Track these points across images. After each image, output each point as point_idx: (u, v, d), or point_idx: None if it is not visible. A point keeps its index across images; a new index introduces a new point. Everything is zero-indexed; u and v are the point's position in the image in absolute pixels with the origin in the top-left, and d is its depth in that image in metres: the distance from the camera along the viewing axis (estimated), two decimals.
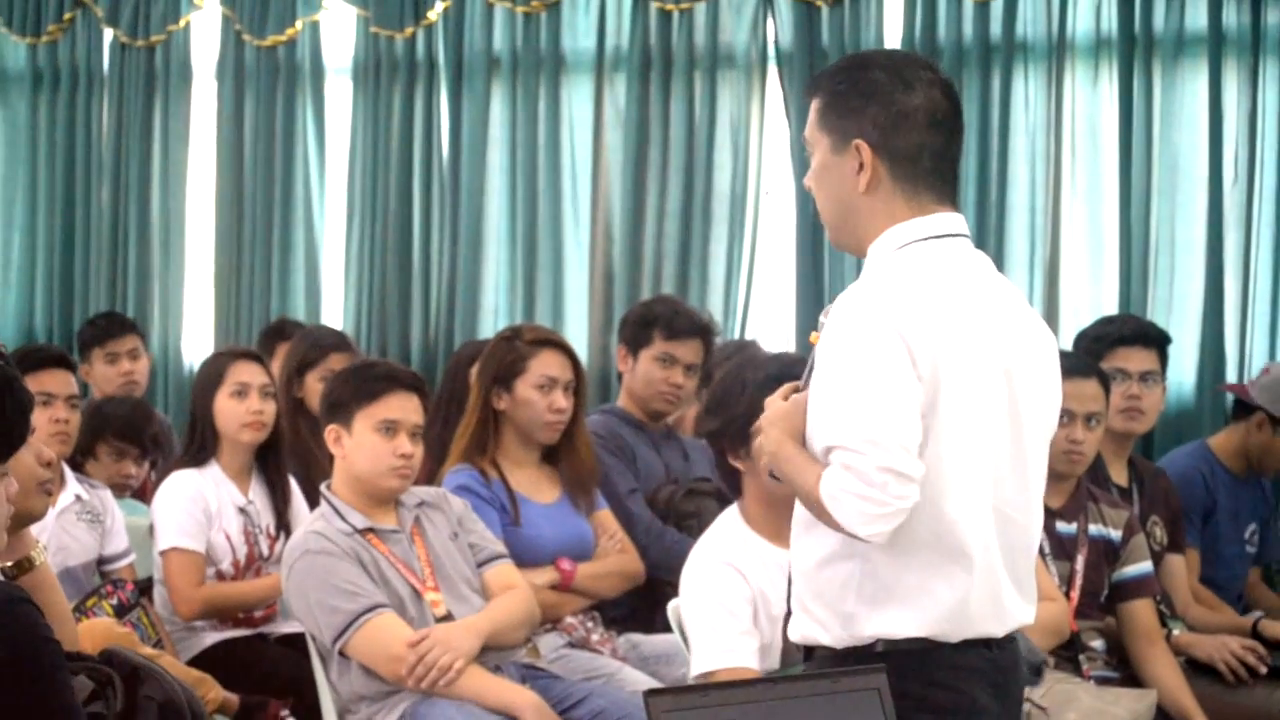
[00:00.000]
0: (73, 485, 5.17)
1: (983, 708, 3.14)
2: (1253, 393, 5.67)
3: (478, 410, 5.11)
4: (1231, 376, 6.40)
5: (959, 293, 3.10)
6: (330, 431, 4.58)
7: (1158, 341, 5.58)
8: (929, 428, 3.01)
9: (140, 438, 5.87)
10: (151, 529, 5.26)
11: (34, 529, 3.25)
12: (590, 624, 5.07)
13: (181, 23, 7.86)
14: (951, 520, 3.05)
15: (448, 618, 4.45)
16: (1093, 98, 6.65)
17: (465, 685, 4.33)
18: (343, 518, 4.50)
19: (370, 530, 4.50)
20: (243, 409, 5.28)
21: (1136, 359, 5.48)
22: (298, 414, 5.87)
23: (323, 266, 7.72)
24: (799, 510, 3.17)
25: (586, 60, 7.30)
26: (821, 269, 6.84)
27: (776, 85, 7.06)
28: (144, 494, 5.90)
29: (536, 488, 5.11)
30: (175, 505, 5.19)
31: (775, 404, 3.21)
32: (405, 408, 4.55)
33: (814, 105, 3.21)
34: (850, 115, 3.14)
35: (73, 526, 5.08)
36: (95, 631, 4.05)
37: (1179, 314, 6.48)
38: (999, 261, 6.53)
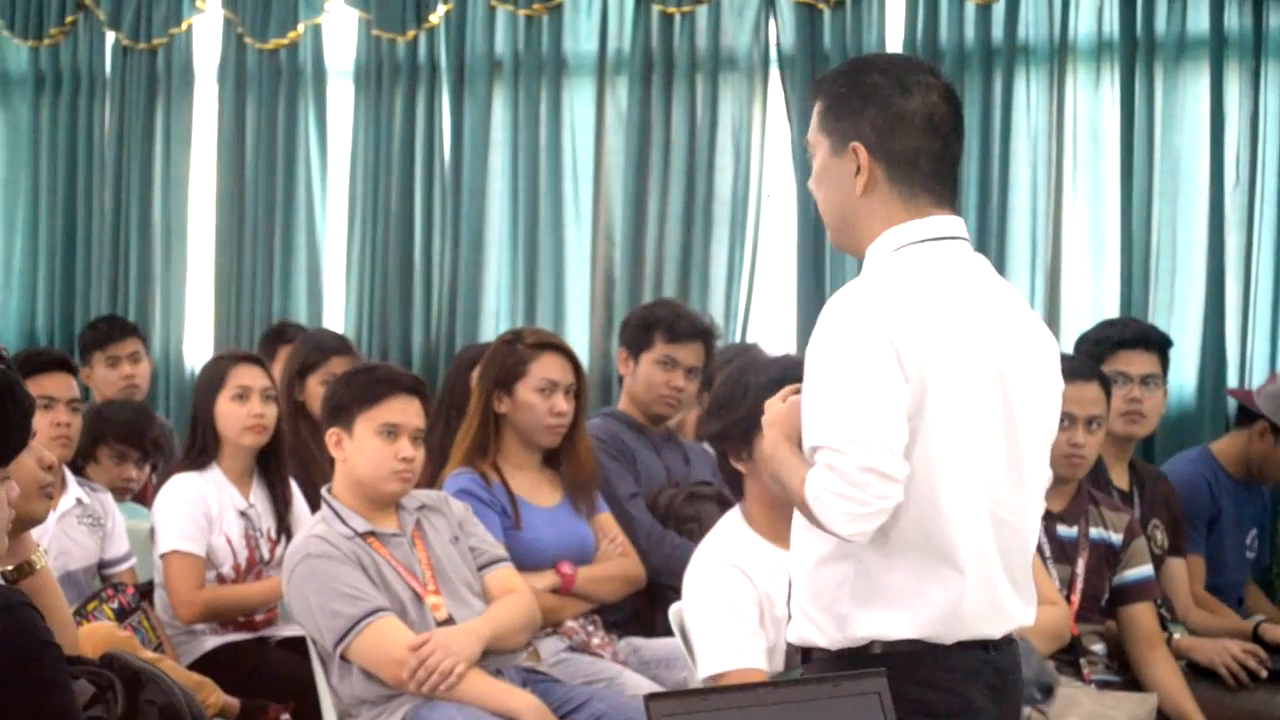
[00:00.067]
0: (74, 489, 5.17)
1: (979, 709, 3.15)
2: (1258, 400, 5.67)
3: (479, 413, 5.11)
4: (1233, 380, 6.40)
5: (951, 295, 3.11)
6: (331, 435, 4.58)
7: (1159, 345, 5.58)
8: (917, 429, 3.02)
9: (141, 441, 5.88)
10: (152, 532, 5.26)
11: (35, 533, 3.25)
12: (591, 628, 5.07)
13: (183, 26, 7.87)
14: (943, 522, 3.07)
15: (449, 621, 4.45)
16: (1094, 100, 6.65)
17: (466, 689, 4.33)
18: (344, 521, 4.50)
19: (371, 533, 4.50)
20: (244, 412, 5.28)
21: (1138, 362, 5.48)
22: (299, 417, 5.87)
23: (324, 269, 7.72)
24: (798, 512, 3.17)
25: (588, 63, 7.30)
26: (823, 272, 6.84)
27: (778, 88, 7.06)
28: (145, 497, 5.90)
29: (537, 491, 5.11)
30: (176, 508, 5.19)
31: (774, 406, 3.23)
32: (406, 411, 4.55)
33: (816, 108, 3.24)
34: (849, 118, 3.17)
35: (74, 530, 5.09)
36: (96, 635, 4.05)
37: (1180, 317, 6.47)
38: (1000, 264, 6.54)
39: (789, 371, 3.74)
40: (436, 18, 7.47)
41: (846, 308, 3.08)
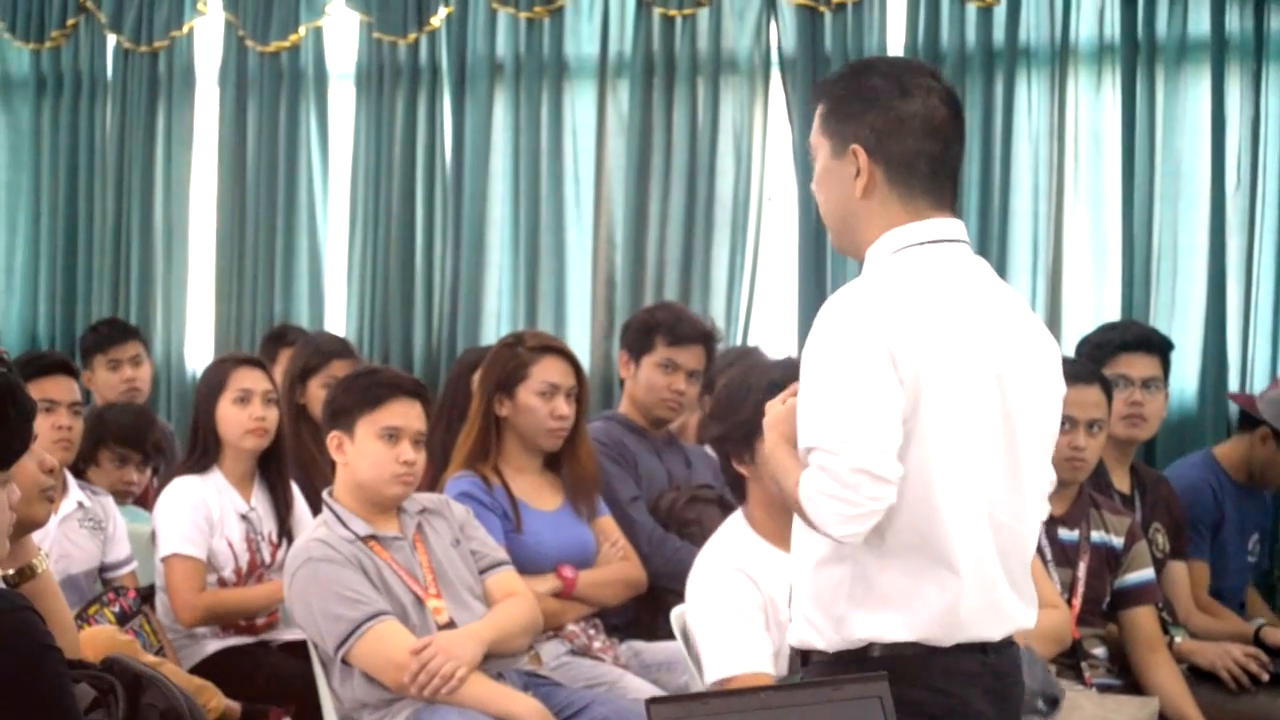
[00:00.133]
0: (75, 492, 5.16)
1: (977, 713, 3.16)
2: (1260, 406, 5.67)
3: (480, 417, 5.11)
4: (1234, 383, 6.40)
5: (948, 298, 3.12)
6: (333, 438, 4.58)
7: (1160, 348, 5.58)
8: (912, 432, 3.04)
9: (142, 444, 5.87)
10: (153, 536, 5.26)
11: (36, 536, 3.26)
12: (592, 631, 5.07)
13: (185, 28, 7.87)
14: (939, 524, 3.08)
15: (450, 625, 4.45)
16: (1095, 103, 6.65)
17: (467, 693, 4.32)
18: (345, 525, 4.50)
19: (372, 537, 4.50)
20: (245, 415, 5.28)
21: (1139, 365, 5.49)
22: (300, 420, 5.87)
23: (325, 272, 7.72)
24: (796, 514, 3.18)
25: (589, 66, 7.30)
26: (824, 275, 6.83)
27: (779, 91, 7.05)
28: (146, 501, 5.90)
29: (538, 494, 5.11)
30: (177, 512, 5.19)
31: (774, 408, 3.24)
32: (408, 415, 4.55)
33: (818, 111, 3.27)
34: (849, 120, 3.19)
35: (75, 534, 5.08)
36: (97, 639, 4.05)
37: (1181, 320, 6.47)
38: (1001, 267, 6.54)
39: (791, 374, 3.73)
40: (438, 20, 7.47)
41: (842, 309, 3.09)
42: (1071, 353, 5.57)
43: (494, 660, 4.46)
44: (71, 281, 8.05)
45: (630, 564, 5.23)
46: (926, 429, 3.05)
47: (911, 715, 2.97)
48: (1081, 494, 4.97)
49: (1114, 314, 6.46)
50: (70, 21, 8.02)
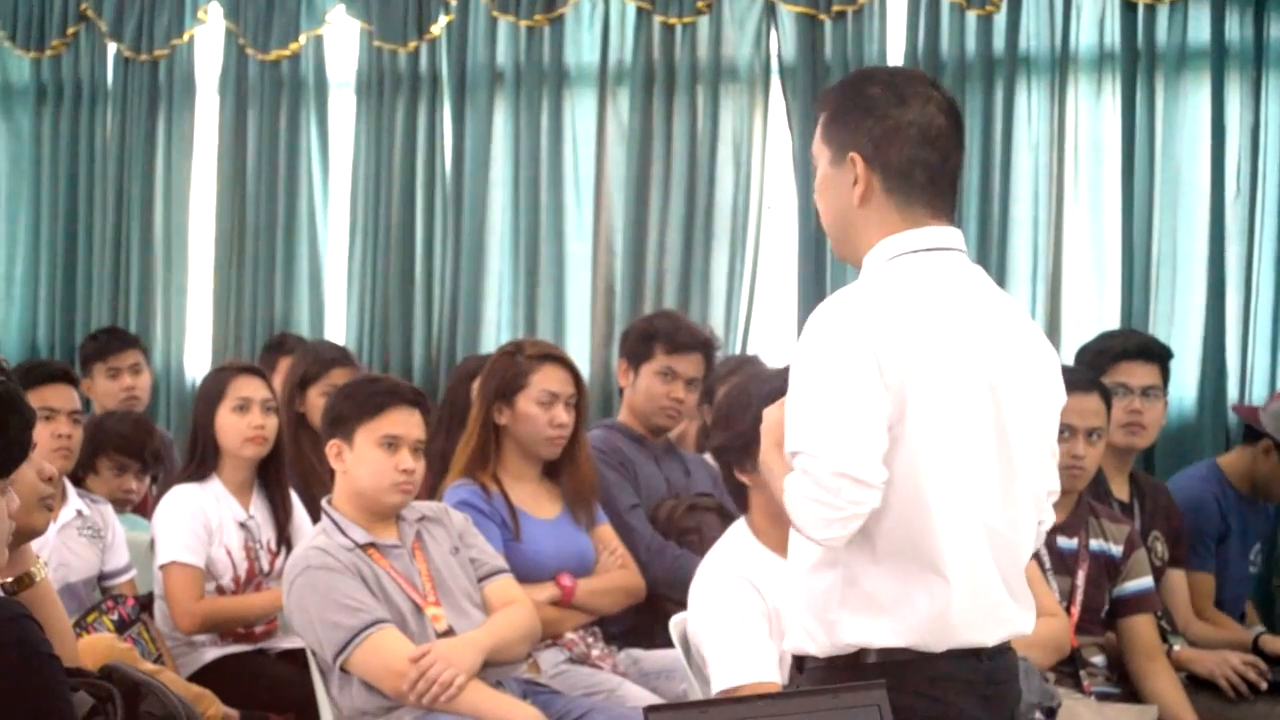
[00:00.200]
0: (74, 500, 5.17)
1: (970, 719, 3.15)
2: (1262, 419, 5.67)
3: (479, 425, 5.11)
4: (1233, 391, 6.40)
5: (939, 305, 3.14)
6: (332, 446, 4.58)
7: (1160, 356, 5.58)
8: (899, 437, 3.05)
9: (141, 453, 5.87)
10: (152, 544, 5.26)
11: (35, 544, 3.26)
12: (591, 639, 5.06)
13: (185, 37, 7.87)
14: (928, 530, 3.09)
15: (449, 633, 4.45)
16: (1095, 111, 6.65)
17: (466, 701, 4.32)
18: (344, 532, 4.50)
19: (371, 545, 4.50)
20: (244, 424, 5.28)
21: (1138, 374, 5.49)
22: (299, 429, 5.88)
23: (325, 281, 7.72)
24: None
25: (589, 74, 7.30)
26: (823, 283, 6.83)
27: (779, 99, 7.06)
28: (145, 509, 5.90)
29: (537, 503, 5.11)
30: (176, 520, 5.19)
31: (771, 414, 3.25)
32: (407, 423, 4.55)
33: (819, 119, 3.29)
34: (847, 129, 3.21)
35: (74, 542, 5.09)
36: (96, 647, 4.05)
37: (1181, 328, 6.47)
38: (1001, 274, 6.54)
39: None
40: (438, 29, 7.48)
41: (830, 315, 3.12)
42: (1071, 361, 5.58)
43: (493, 668, 4.46)
44: (71, 290, 8.05)
45: (629, 572, 5.23)
46: (914, 435, 3.06)
47: None
48: (1080, 502, 4.97)
49: (1113, 322, 6.46)
50: (71, 30, 8.03)
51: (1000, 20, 6.70)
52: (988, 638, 3.18)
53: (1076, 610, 4.86)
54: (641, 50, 7.17)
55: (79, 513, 5.15)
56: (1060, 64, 6.65)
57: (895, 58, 6.85)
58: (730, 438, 4.12)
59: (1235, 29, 6.45)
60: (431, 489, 5.21)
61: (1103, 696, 4.81)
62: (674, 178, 7.13)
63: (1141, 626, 4.96)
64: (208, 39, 7.91)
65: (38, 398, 4.77)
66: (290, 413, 5.83)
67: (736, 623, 3.98)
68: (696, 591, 4.13)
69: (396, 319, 7.49)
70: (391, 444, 4.52)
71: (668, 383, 5.58)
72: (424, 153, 7.51)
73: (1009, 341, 3.20)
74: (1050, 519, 3.37)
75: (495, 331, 7.35)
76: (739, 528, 4.19)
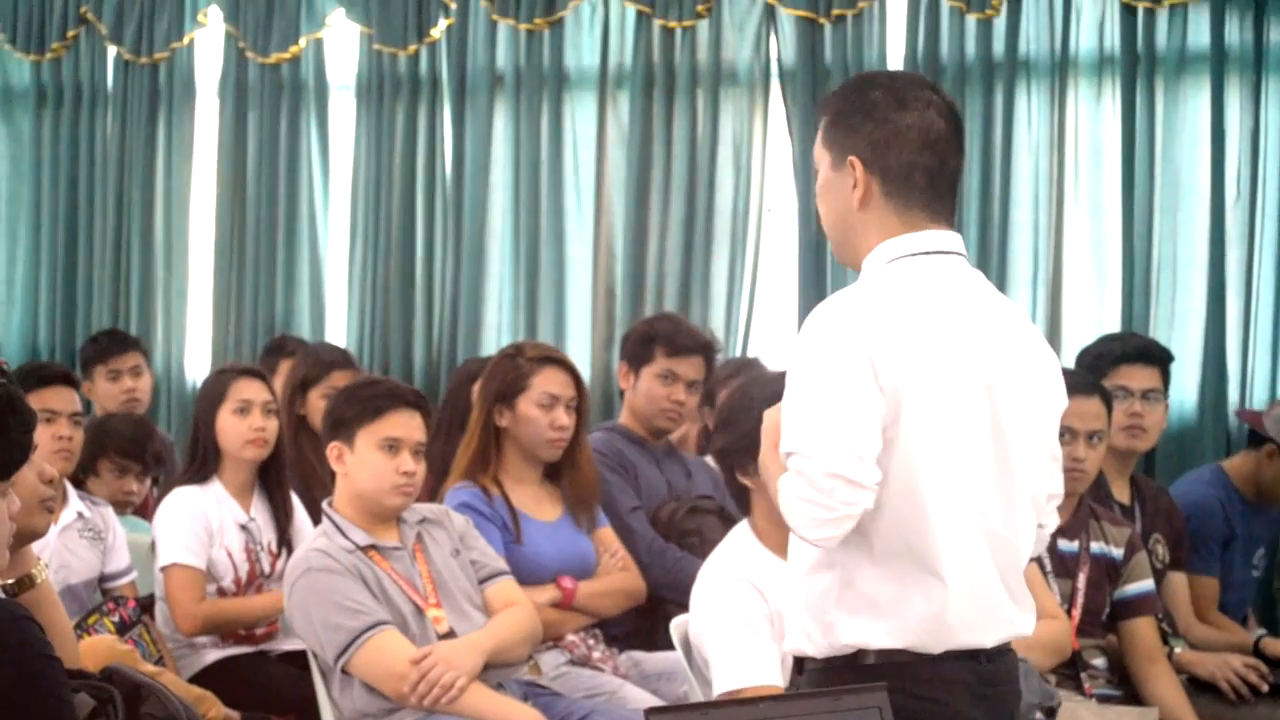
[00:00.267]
0: (75, 502, 5.17)
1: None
2: (1266, 423, 5.67)
3: (480, 427, 5.11)
4: (1234, 394, 6.40)
5: (935, 308, 3.15)
6: (333, 449, 4.58)
7: (1160, 359, 5.58)
8: (894, 439, 3.06)
9: (142, 455, 5.87)
10: (153, 546, 5.26)
11: (35, 546, 3.25)
12: (591, 641, 5.06)
13: (185, 40, 7.88)
14: (924, 531, 3.10)
15: (450, 634, 4.45)
16: (1095, 115, 6.65)
17: (467, 703, 4.32)
18: (345, 535, 4.50)
19: (372, 547, 4.50)
20: (245, 426, 5.28)
21: (1139, 377, 5.49)
22: (300, 431, 5.88)
23: (326, 283, 7.73)
24: None
25: (589, 77, 7.30)
26: (824, 286, 6.83)
27: (779, 102, 7.06)
28: (145, 511, 5.90)
29: (538, 505, 5.11)
30: (177, 522, 5.19)
31: (770, 417, 3.26)
32: (408, 425, 4.55)
33: (821, 123, 3.31)
34: (848, 133, 3.23)
35: (74, 544, 5.09)
36: (97, 649, 4.05)
37: (1181, 331, 6.47)
38: (1001, 278, 6.55)
39: None
40: (438, 32, 7.48)
41: (826, 317, 3.13)
42: (1071, 364, 5.57)
43: (494, 670, 4.46)
44: (72, 292, 8.06)
45: (630, 574, 5.23)
46: (909, 436, 3.07)
47: None
48: (1081, 505, 4.97)
49: (1114, 325, 6.47)
50: (71, 33, 8.03)
51: (1000, 24, 6.70)
52: (986, 639, 3.18)
53: (1077, 613, 4.86)
54: (641, 53, 7.18)
55: (80, 515, 5.15)
56: (1060, 68, 6.66)
57: (895, 61, 6.85)
58: (733, 440, 4.12)
59: (1235, 33, 6.45)
60: (432, 491, 5.21)
61: (1104, 699, 4.80)
62: (674, 181, 7.13)
63: (1142, 629, 4.96)
64: (208, 42, 7.92)
65: (38, 400, 4.77)
66: (291, 415, 5.83)
67: (739, 625, 3.98)
68: (699, 594, 4.13)
69: (397, 322, 7.50)
70: (392, 446, 4.52)
71: (668, 385, 5.58)
72: (424, 156, 7.52)
73: (1007, 344, 3.21)
74: (1053, 523, 3.37)
75: (496, 334, 7.36)
76: (741, 530, 4.19)
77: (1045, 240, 6.67)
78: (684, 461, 5.74)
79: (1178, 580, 5.53)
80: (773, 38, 7.05)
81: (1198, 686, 5.14)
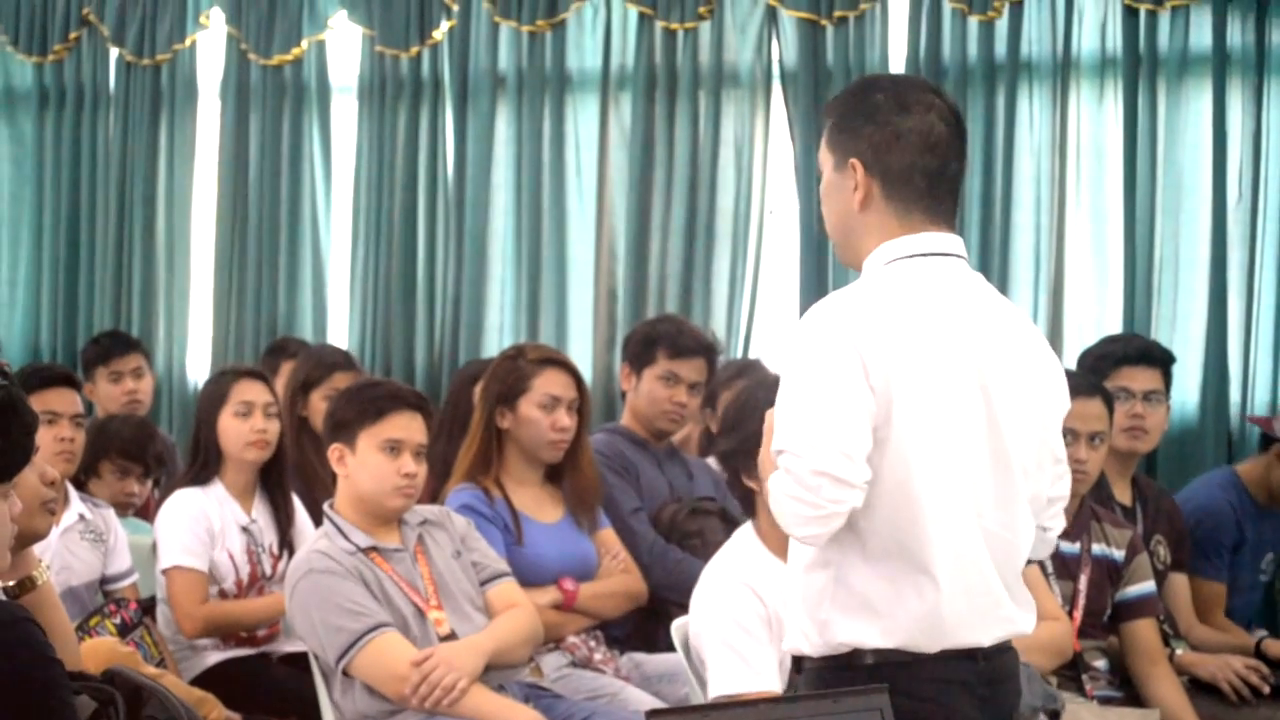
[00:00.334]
0: (76, 504, 5.17)
1: (961, 719, 3.16)
2: (1276, 427, 5.67)
3: (481, 429, 5.11)
4: (1235, 395, 6.40)
5: (929, 308, 3.17)
6: (334, 450, 4.58)
7: (1162, 361, 5.58)
8: (886, 438, 3.09)
9: (144, 456, 5.87)
10: (154, 548, 5.26)
11: (37, 548, 3.25)
12: (593, 643, 5.06)
13: (187, 42, 7.88)
14: (917, 531, 3.12)
15: (451, 636, 4.45)
16: (1097, 117, 6.65)
17: (469, 704, 4.32)
18: (346, 536, 4.50)
19: (373, 549, 4.50)
20: (246, 428, 5.28)
21: (1140, 378, 5.49)
22: (301, 433, 5.88)
23: (328, 285, 7.73)
24: None
25: (591, 79, 7.30)
26: (825, 287, 6.82)
27: (781, 104, 7.07)
28: (147, 513, 5.90)
29: (539, 507, 5.11)
30: (178, 524, 5.19)
31: (770, 418, 3.26)
32: (409, 427, 4.55)
33: (826, 125, 3.34)
34: (849, 135, 3.26)
35: (76, 546, 5.09)
36: (98, 651, 4.05)
37: (1183, 333, 6.46)
38: (1003, 280, 6.55)
39: None
40: (440, 34, 7.48)
41: (819, 316, 3.17)
42: (1073, 365, 5.57)
43: (495, 672, 4.46)
44: (73, 294, 8.06)
45: (631, 576, 5.23)
46: (901, 436, 3.09)
47: None
48: (1083, 506, 4.97)
49: (1115, 327, 6.46)
50: (73, 34, 8.04)
51: (1002, 26, 6.70)
52: (983, 638, 3.19)
53: (1079, 614, 4.86)
54: (643, 55, 7.18)
55: (81, 516, 5.15)
56: (1062, 69, 6.65)
57: (897, 63, 6.85)
58: (737, 443, 4.12)
59: (1237, 34, 6.45)
60: (433, 493, 5.21)
61: (1105, 700, 4.81)
62: (676, 182, 7.13)
63: (1144, 630, 4.96)
64: (210, 44, 7.92)
65: (40, 401, 4.77)
66: (292, 417, 5.83)
67: (735, 630, 3.98)
68: (698, 597, 4.13)
69: (398, 323, 7.50)
70: (393, 448, 4.52)
71: (670, 387, 5.58)
72: (426, 158, 7.52)
73: (1004, 346, 3.22)
74: (1058, 525, 3.38)
75: (497, 336, 7.36)
76: (745, 532, 4.19)
77: (1047, 242, 6.67)
78: (686, 463, 5.74)
79: (1179, 581, 5.53)
80: (774, 39, 7.05)
81: (1199, 688, 5.14)
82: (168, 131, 7.93)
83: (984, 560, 3.16)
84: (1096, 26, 6.63)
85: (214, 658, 5.18)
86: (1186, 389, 6.38)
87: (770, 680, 3.93)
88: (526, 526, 5.03)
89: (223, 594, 5.23)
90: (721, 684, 3.96)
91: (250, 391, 5.32)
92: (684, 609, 4.26)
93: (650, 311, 6.99)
